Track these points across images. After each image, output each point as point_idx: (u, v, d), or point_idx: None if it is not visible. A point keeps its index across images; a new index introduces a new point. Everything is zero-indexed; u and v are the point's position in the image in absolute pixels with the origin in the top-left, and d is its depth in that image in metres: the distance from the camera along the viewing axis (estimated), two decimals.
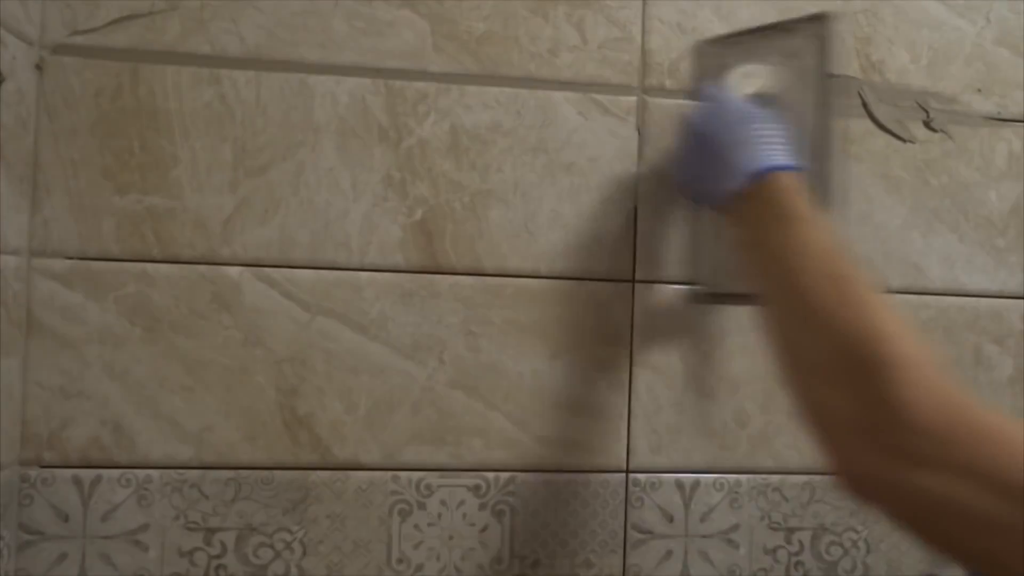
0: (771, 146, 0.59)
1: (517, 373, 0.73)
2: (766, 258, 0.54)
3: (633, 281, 0.75)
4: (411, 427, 0.72)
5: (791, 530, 0.76)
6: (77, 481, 0.68)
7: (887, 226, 0.78)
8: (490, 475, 0.73)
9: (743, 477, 0.76)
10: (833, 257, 0.51)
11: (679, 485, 0.75)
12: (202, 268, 0.70)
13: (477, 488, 0.73)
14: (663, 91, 0.75)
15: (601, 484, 0.74)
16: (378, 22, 0.72)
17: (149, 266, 0.69)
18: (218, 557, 0.69)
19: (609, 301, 0.74)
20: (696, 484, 0.75)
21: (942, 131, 0.78)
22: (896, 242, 0.78)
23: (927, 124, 0.77)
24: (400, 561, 0.72)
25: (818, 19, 0.66)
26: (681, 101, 0.75)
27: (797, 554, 0.76)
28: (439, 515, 0.72)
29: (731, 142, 0.60)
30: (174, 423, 0.69)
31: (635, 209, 0.75)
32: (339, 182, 0.71)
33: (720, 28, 0.76)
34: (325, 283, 0.71)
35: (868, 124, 0.78)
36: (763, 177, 0.57)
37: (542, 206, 0.74)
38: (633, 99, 0.75)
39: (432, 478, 0.72)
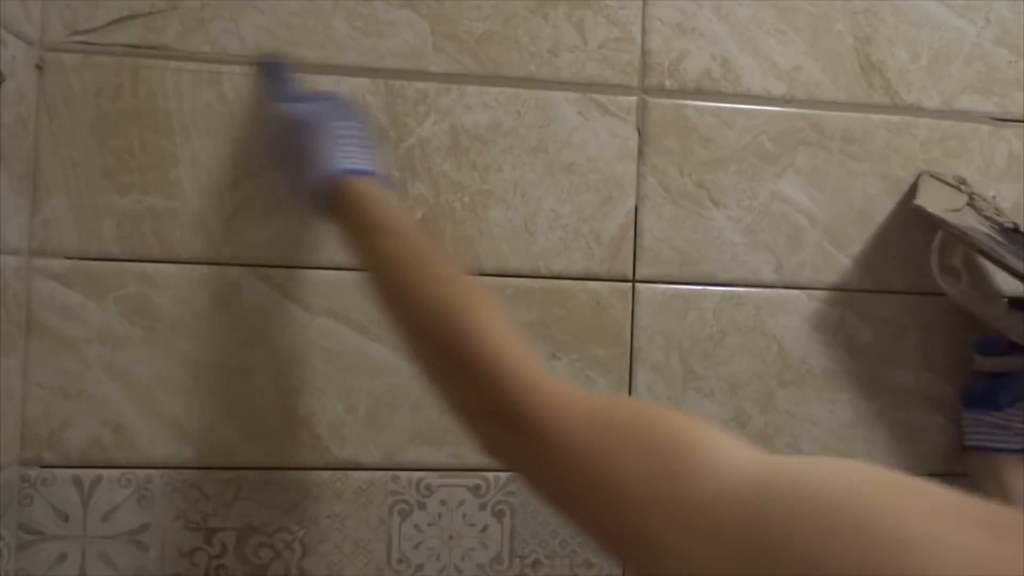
0: (348, 150, 0.61)
1: None
2: (362, 262, 0.57)
3: (633, 281, 0.75)
4: (411, 427, 0.72)
5: None
6: (77, 481, 0.68)
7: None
8: (490, 475, 0.73)
9: None
10: (416, 261, 0.54)
11: None
12: (202, 268, 0.70)
13: (477, 488, 0.73)
14: (663, 91, 0.75)
15: None
16: (378, 22, 0.72)
17: (149, 266, 0.69)
18: (218, 557, 0.69)
19: (609, 301, 0.74)
20: None
21: None
22: (896, 242, 0.78)
23: None
24: (400, 561, 0.72)
25: None
26: (681, 101, 0.75)
27: None
28: (439, 515, 0.72)
29: (314, 143, 0.61)
30: (174, 423, 0.69)
31: (635, 209, 0.75)
32: None
33: (720, 28, 0.76)
34: (325, 283, 0.71)
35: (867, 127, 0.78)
36: (338, 182, 0.59)
37: (542, 206, 0.74)
38: (633, 99, 0.75)
39: (432, 478, 0.72)
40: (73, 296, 0.68)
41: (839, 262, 0.77)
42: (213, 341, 0.70)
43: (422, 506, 0.72)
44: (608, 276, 0.74)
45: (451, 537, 0.72)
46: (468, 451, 0.72)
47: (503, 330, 0.49)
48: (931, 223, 0.73)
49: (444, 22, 0.73)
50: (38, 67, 0.68)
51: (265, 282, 0.70)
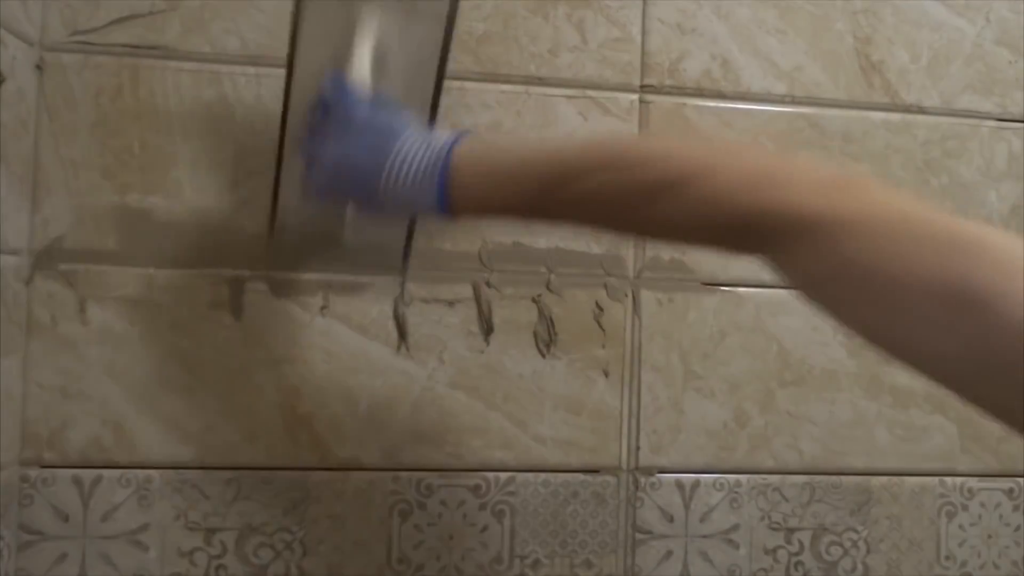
0: (422, 142, 0.53)
1: (517, 373, 0.73)
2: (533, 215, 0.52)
3: (633, 281, 0.75)
4: (411, 427, 0.72)
5: (791, 530, 0.76)
6: (77, 481, 0.68)
7: None
8: (490, 475, 0.73)
9: (743, 477, 0.76)
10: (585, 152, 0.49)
11: (679, 485, 0.75)
12: (202, 268, 0.70)
13: (477, 488, 0.73)
14: (663, 91, 0.75)
15: (601, 484, 0.74)
16: None
17: (149, 266, 0.69)
18: (218, 557, 0.69)
19: (609, 301, 0.74)
20: (696, 484, 0.75)
21: None
22: None
23: None
24: (400, 561, 0.72)
25: None
26: (682, 99, 0.75)
27: (797, 554, 0.76)
28: (439, 515, 0.72)
29: (390, 166, 0.53)
30: (174, 423, 0.69)
31: None
32: None
33: (720, 28, 0.76)
34: (325, 283, 0.71)
35: (866, 124, 0.78)
36: (448, 174, 0.52)
37: None
38: (633, 99, 0.75)
39: (432, 478, 0.72)
40: (73, 296, 0.68)
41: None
42: (213, 341, 0.70)
43: (422, 506, 0.72)
44: (608, 276, 0.74)
45: (451, 537, 0.72)
46: (468, 451, 0.73)
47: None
48: None
49: None
50: (38, 67, 0.68)
51: (265, 282, 0.70)
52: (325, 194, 0.59)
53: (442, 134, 0.54)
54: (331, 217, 0.65)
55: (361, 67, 0.59)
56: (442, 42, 0.62)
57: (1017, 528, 0.79)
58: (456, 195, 0.52)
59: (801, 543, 0.76)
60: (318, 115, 0.58)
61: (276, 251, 0.70)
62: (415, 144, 0.53)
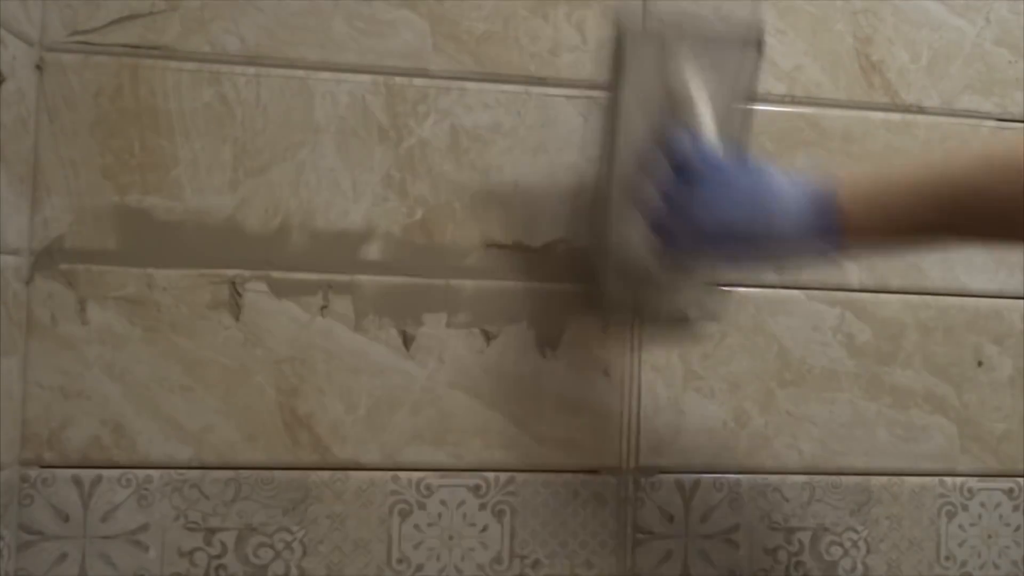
0: (801, 194, 0.54)
1: (517, 373, 0.73)
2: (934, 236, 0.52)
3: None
4: (411, 427, 0.72)
5: (791, 530, 0.76)
6: (77, 481, 0.68)
7: None
8: (490, 475, 0.73)
9: (743, 477, 0.76)
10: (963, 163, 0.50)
11: (679, 485, 0.75)
12: (202, 268, 0.70)
13: (477, 488, 0.73)
14: None
15: (601, 484, 0.74)
16: (378, 22, 0.72)
17: (149, 266, 0.69)
18: (218, 557, 0.70)
19: (609, 301, 0.74)
20: (696, 484, 0.75)
21: None
22: None
23: None
24: (400, 561, 0.72)
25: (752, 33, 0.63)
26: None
27: (797, 554, 0.76)
28: (439, 515, 0.72)
29: (777, 214, 0.54)
30: (174, 423, 0.69)
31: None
32: (339, 182, 0.71)
33: (720, 28, 0.76)
34: (325, 283, 0.71)
35: (867, 125, 0.78)
36: (838, 217, 0.53)
37: (543, 207, 0.74)
38: None
39: (432, 478, 0.72)
40: (73, 296, 0.68)
41: (839, 262, 0.77)
42: (213, 341, 0.70)
43: (422, 506, 0.72)
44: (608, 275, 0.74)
45: (451, 537, 0.72)
46: (468, 451, 0.73)
47: None
48: None
49: (444, 22, 0.73)
50: (38, 67, 0.68)
51: (265, 282, 0.70)
52: (698, 259, 0.59)
53: (814, 179, 0.55)
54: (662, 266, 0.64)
55: (709, 125, 0.59)
56: (750, 72, 0.63)
57: (1017, 528, 0.79)
58: (850, 237, 0.53)
59: (801, 543, 0.76)
60: (669, 177, 0.57)
61: (607, 302, 0.71)
62: (794, 197, 0.54)
